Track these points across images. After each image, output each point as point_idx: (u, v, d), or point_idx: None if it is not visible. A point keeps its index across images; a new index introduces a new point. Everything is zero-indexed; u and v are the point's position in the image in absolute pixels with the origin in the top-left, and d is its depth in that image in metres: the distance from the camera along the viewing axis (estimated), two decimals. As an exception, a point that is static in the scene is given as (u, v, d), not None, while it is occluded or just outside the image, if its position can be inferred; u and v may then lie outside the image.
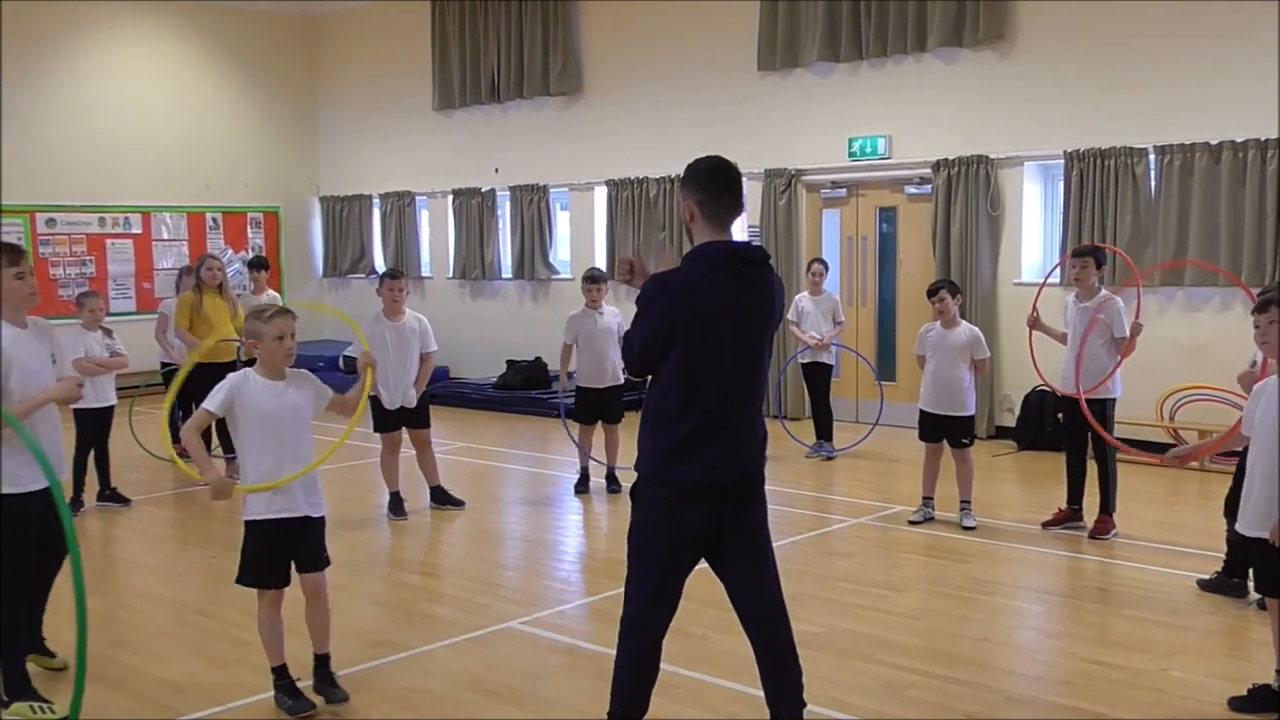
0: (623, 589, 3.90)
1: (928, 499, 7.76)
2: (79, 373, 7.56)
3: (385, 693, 4.90)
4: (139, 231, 15.34)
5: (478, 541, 7.69)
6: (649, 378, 3.86)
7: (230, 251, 15.92)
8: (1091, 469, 7.40)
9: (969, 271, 10.65)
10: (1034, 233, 10.84)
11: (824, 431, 10.05)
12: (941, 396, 7.57)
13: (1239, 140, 9.23)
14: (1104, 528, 7.25)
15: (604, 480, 8.76)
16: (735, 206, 3.83)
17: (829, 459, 9.92)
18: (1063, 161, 10.20)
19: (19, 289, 4.60)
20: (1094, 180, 9.94)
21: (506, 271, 14.73)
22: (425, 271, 15.70)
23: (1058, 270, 9.00)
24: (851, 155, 11.55)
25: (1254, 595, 5.67)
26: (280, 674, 4.70)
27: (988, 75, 10.67)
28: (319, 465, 4.69)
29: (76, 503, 8.19)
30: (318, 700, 4.72)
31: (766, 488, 3.93)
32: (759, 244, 4.63)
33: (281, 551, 4.65)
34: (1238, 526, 4.84)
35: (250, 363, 4.73)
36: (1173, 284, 9.71)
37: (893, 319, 11.74)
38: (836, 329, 10.01)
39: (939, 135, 10.93)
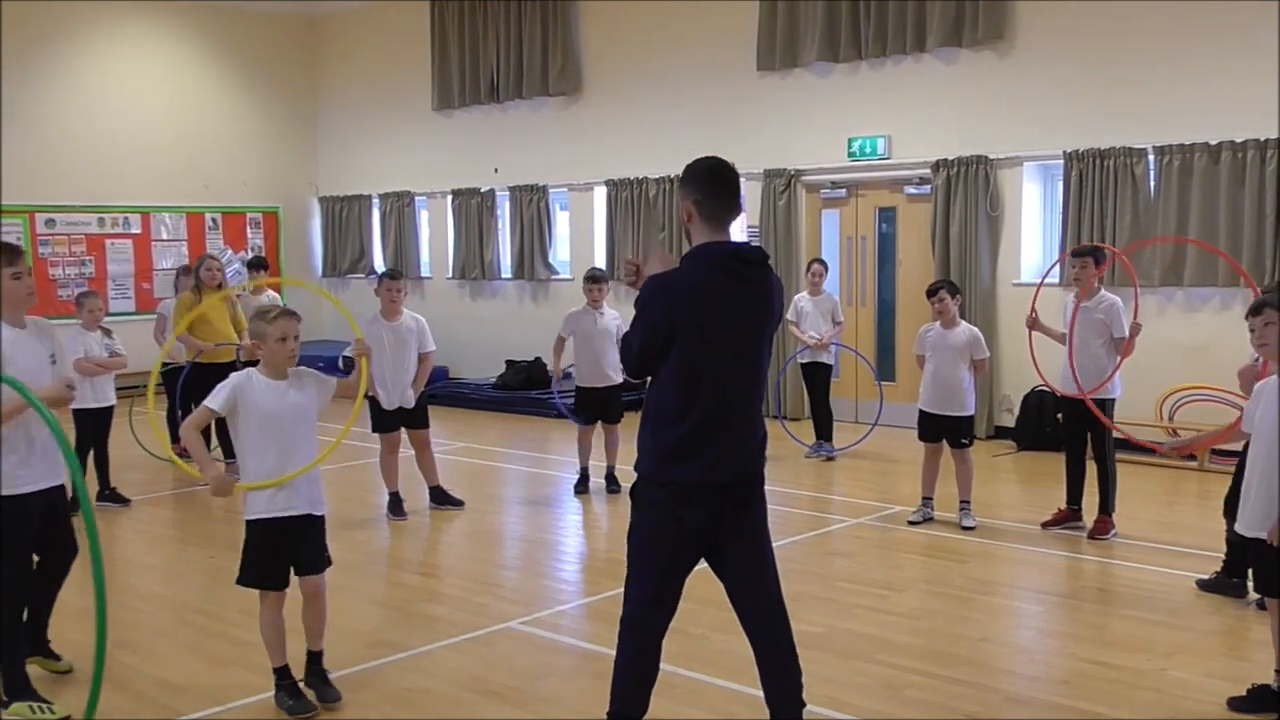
0: (622, 589, 3.91)
1: (927, 499, 7.76)
2: (79, 373, 7.60)
3: (385, 693, 4.90)
4: (138, 232, 15.34)
5: (477, 541, 7.69)
6: (649, 378, 3.87)
7: (230, 252, 15.93)
8: (1091, 469, 7.40)
9: (968, 272, 10.65)
10: (1033, 233, 10.84)
11: (824, 432, 10.05)
12: (941, 396, 7.57)
13: (1238, 140, 9.24)
14: (1103, 528, 7.25)
15: (603, 480, 8.76)
16: (733, 207, 3.83)
17: (829, 459, 9.92)
18: (1062, 162, 10.21)
19: (16, 289, 4.60)
20: (1093, 180, 9.95)
21: (506, 271, 14.73)
22: (425, 272, 15.71)
23: (1056, 269, 9.00)
24: (851, 155, 11.55)
25: (1253, 595, 5.67)
26: (282, 674, 4.70)
27: (987, 75, 10.67)
28: (319, 463, 4.70)
29: (75, 502, 8.18)
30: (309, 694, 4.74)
31: (766, 488, 3.94)
32: (758, 244, 4.63)
33: (283, 551, 4.65)
34: (1236, 527, 4.85)
35: (250, 363, 4.73)
36: (1172, 284, 9.71)
37: (892, 319, 11.74)
38: (835, 329, 10.01)
39: (938, 135, 10.94)
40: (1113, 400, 7.28)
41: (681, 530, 3.78)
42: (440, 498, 8.33)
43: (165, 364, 10.27)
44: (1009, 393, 10.68)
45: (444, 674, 5.12)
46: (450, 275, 15.37)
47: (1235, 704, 4.62)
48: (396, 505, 8.09)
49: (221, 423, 4.76)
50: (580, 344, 8.58)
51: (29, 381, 4.53)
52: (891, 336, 11.75)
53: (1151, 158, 9.75)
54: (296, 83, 16.80)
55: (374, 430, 8.06)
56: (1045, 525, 7.50)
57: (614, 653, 3.93)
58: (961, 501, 7.62)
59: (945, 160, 10.82)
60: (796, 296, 10.11)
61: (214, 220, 16.04)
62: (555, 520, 8.26)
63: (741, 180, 3.91)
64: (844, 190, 11.91)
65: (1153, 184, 9.75)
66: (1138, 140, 9.75)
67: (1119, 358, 7.17)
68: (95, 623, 3.24)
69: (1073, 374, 7.09)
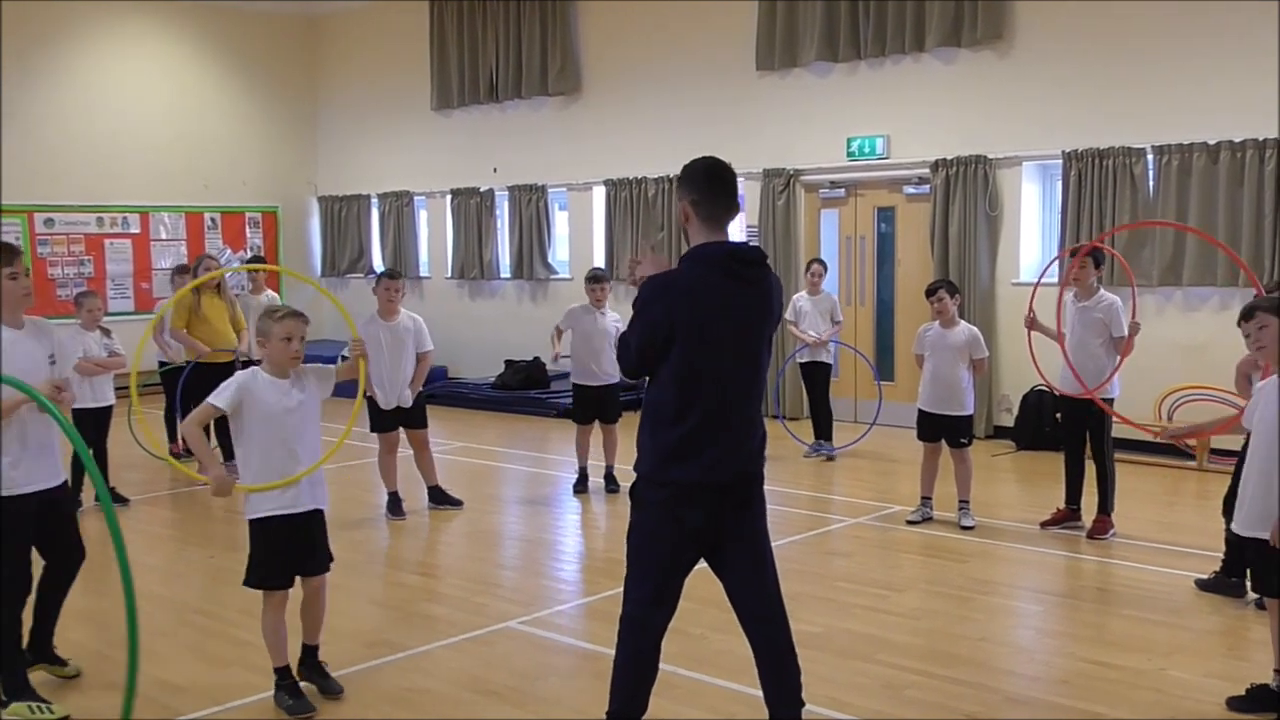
0: (621, 589, 3.91)
1: (926, 499, 7.76)
2: (79, 373, 7.59)
3: (384, 693, 4.90)
4: (137, 231, 15.33)
5: (476, 541, 7.69)
6: (648, 379, 3.87)
7: (229, 251, 15.92)
8: (1090, 469, 7.40)
9: (967, 271, 10.65)
10: (1032, 233, 10.85)
11: (823, 431, 10.05)
12: (940, 396, 7.58)
13: (1237, 140, 9.24)
14: (1102, 527, 7.25)
15: (602, 480, 8.76)
16: (731, 207, 3.83)
17: (828, 458, 9.92)
18: (1061, 161, 10.21)
19: (13, 289, 4.58)
20: (1092, 180, 9.95)
21: (505, 271, 14.73)
22: (424, 271, 15.71)
23: (1053, 267, 8.99)
24: (850, 155, 11.55)
25: (1252, 595, 5.67)
26: (283, 674, 4.71)
27: (986, 75, 10.67)
28: (323, 464, 4.71)
29: (74, 502, 8.18)
30: (310, 688, 4.75)
31: (765, 487, 3.94)
32: (756, 244, 4.62)
33: (288, 550, 4.66)
34: (1233, 526, 4.85)
35: (250, 363, 4.74)
36: (1170, 284, 9.72)
37: (891, 319, 11.74)
38: (834, 328, 10.01)
39: (937, 135, 10.94)
40: (1111, 400, 7.28)
41: (681, 530, 3.78)
42: (439, 497, 8.33)
43: (163, 364, 10.31)
44: (1008, 392, 10.69)
45: (443, 674, 5.12)
46: (449, 275, 15.37)
47: (1234, 704, 4.63)
48: (395, 505, 8.09)
49: (220, 422, 4.76)
50: (578, 341, 8.59)
51: (26, 382, 4.53)
52: (890, 336, 11.75)
53: (1150, 157, 9.75)
54: (296, 83, 16.79)
55: (372, 430, 8.06)
56: (1044, 525, 7.51)
57: (613, 652, 3.93)
58: (960, 501, 7.63)
59: (944, 160, 10.82)
60: (795, 296, 10.10)
61: (213, 220, 16.03)
62: (554, 520, 8.26)
63: (740, 180, 3.92)
64: (843, 190, 11.91)
65: (1152, 184, 9.75)
66: (1137, 140, 9.75)
67: (1119, 357, 7.18)
68: (126, 632, 3.11)
69: (1073, 373, 7.10)
